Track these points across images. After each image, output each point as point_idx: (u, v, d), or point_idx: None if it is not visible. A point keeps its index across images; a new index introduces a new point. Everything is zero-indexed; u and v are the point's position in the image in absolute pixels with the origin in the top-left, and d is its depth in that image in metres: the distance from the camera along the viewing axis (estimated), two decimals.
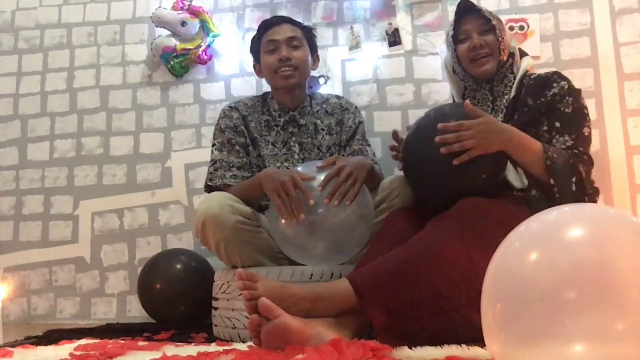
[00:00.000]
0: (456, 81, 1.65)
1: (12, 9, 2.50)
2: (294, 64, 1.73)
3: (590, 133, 1.46)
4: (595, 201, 1.45)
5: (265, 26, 1.79)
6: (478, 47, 1.55)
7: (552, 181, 1.34)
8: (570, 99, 1.46)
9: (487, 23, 1.56)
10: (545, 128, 1.46)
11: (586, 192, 1.37)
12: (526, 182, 1.47)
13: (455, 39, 1.60)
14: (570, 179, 1.35)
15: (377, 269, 1.17)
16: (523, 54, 1.64)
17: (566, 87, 1.48)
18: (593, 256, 0.67)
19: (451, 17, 2.16)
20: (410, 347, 1.04)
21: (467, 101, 1.33)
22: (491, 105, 1.57)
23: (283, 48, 1.74)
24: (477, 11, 1.58)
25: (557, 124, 1.44)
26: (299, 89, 1.80)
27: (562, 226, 0.73)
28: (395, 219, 1.44)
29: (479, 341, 0.83)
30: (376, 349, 1.01)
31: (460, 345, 1.02)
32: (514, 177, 1.50)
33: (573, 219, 0.74)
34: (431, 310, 1.12)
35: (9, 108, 2.43)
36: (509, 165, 1.49)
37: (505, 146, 1.33)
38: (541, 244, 0.72)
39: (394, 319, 1.11)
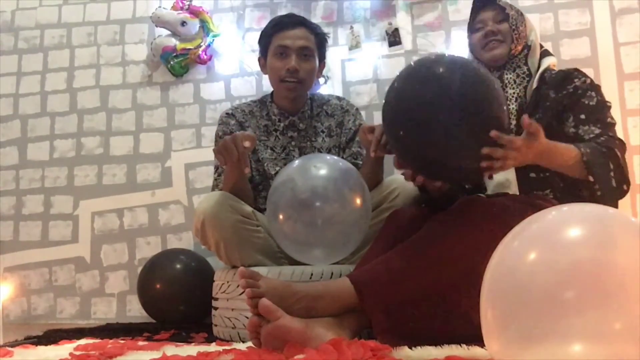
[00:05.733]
0: None
1: (12, 9, 2.50)
2: (300, 77, 1.71)
3: (614, 123, 1.47)
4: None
5: (280, 26, 1.75)
6: (490, 34, 1.56)
7: (591, 178, 1.33)
8: (593, 92, 1.49)
9: (503, 12, 1.58)
10: (572, 123, 1.47)
11: (625, 177, 1.37)
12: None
13: (472, 29, 1.63)
14: (608, 173, 1.35)
15: (377, 268, 1.18)
16: (547, 53, 1.64)
17: (588, 81, 1.51)
18: (592, 256, 0.67)
19: (452, 17, 2.19)
20: (410, 347, 1.04)
21: (525, 116, 1.18)
22: None
23: (293, 57, 1.70)
24: (493, 2, 1.60)
25: (583, 116, 1.45)
26: (300, 96, 1.80)
27: (561, 226, 0.73)
28: (396, 219, 1.44)
29: (479, 341, 0.82)
30: (376, 349, 1.01)
31: (460, 345, 1.02)
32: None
33: (572, 219, 0.74)
34: (431, 309, 1.12)
35: (9, 108, 2.43)
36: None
37: (538, 161, 1.30)
38: (540, 243, 0.72)
39: (393, 319, 1.11)
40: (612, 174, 1.36)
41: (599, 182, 1.33)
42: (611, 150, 1.38)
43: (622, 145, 1.42)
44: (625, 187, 1.38)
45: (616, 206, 1.42)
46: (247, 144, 1.42)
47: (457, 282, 1.13)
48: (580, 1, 2.09)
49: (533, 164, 1.31)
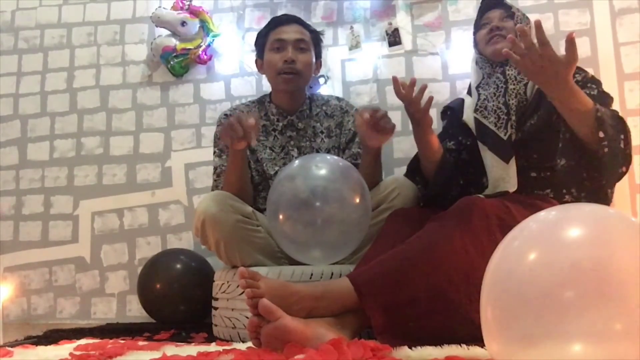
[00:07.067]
0: (476, 70, 1.67)
1: (12, 9, 2.50)
2: (297, 68, 1.72)
3: (618, 112, 1.46)
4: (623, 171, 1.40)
5: (275, 23, 1.78)
6: (495, 29, 1.60)
7: (601, 134, 1.30)
8: (594, 85, 1.51)
9: (509, 11, 1.63)
10: None
11: (630, 156, 1.35)
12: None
13: (477, 27, 1.68)
14: (619, 134, 1.33)
15: (377, 268, 1.18)
16: None
17: (589, 76, 1.54)
18: (592, 256, 0.67)
19: (452, 17, 2.19)
20: (410, 347, 1.04)
21: (572, 32, 1.29)
22: (504, 87, 1.57)
23: (289, 49, 1.72)
24: (501, 3, 1.65)
25: None
26: (298, 92, 1.80)
27: (561, 226, 0.73)
28: (396, 219, 1.44)
29: (479, 341, 0.82)
30: (376, 349, 1.01)
31: (460, 345, 1.02)
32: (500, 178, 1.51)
33: (572, 218, 0.74)
34: (431, 309, 1.12)
35: (9, 108, 2.43)
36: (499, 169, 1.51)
37: (555, 89, 1.30)
38: (540, 243, 0.72)
39: (393, 319, 1.11)
40: (622, 136, 1.33)
41: (608, 139, 1.30)
42: (622, 119, 1.37)
43: (628, 128, 1.39)
44: (629, 151, 1.34)
45: (613, 188, 1.46)
46: (251, 120, 1.46)
47: (457, 282, 1.13)
48: (580, 1, 2.09)
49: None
